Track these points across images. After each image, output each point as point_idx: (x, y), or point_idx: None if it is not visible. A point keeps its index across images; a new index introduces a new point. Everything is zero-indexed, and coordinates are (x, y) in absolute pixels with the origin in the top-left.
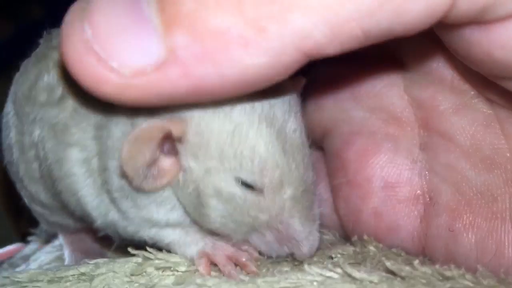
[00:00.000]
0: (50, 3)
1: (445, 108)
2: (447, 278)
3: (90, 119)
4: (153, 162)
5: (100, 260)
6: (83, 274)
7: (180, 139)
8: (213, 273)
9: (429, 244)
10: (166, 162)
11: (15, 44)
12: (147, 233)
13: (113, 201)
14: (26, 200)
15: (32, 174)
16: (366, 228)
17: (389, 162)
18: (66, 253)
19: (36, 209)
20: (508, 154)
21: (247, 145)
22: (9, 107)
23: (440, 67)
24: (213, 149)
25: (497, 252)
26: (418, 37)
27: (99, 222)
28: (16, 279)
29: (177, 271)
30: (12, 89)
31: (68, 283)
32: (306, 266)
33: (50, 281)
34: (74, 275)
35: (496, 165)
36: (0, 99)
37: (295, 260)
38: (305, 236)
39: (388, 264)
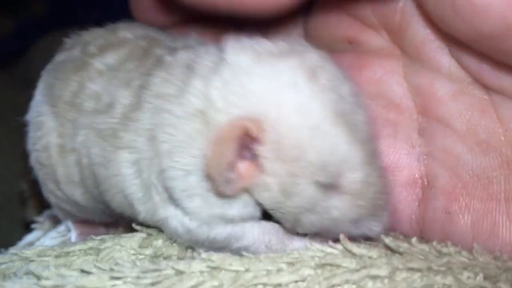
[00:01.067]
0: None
1: (442, 94)
2: (444, 254)
3: (143, 122)
4: (231, 166)
5: (106, 236)
6: (90, 248)
7: (258, 139)
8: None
9: (426, 227)
10: (242, 166)
11: (16, 40)
12: (220, 232)
13: (172, 202)
14: (54, 199)
15: (72, 177)
16: None
17: (389, 147)
18: (73, 236)
19: (65, 207)
20: (502, 138)
21: (327, 144)
22: (44, 110)
23: (438, 55)
24: (294, 147)
25: (492, 233)
26: (417, 25)
27: (142, 216)
28: (24, 255)
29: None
30: (47, 92)
31: (75, 257)
32: (307, 243)
33: (57, 256)
34: (81, 249)
35: (492, 148)
36: (2, 93)
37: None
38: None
39: (386, 240)
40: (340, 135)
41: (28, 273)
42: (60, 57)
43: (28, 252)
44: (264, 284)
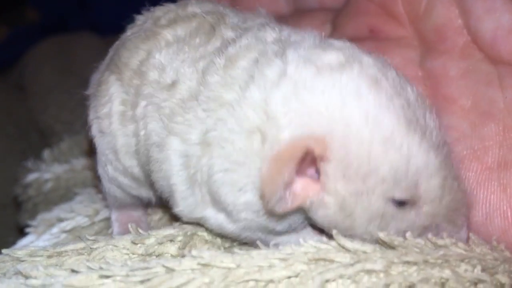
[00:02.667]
0: (45, 6)
1: (454, 74)
2: (439, 247)
3: (197, 118)
4: (287, 185)
5: (99, 237)
6: (82, 248)
7: (322, 158)
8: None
9: None
10: (299, 185)
11: (10, 47)
12: (253, 236)
13: (215, 206)
14: (111, 171)
15: (129, 148)
16: None
17: None
18: (116, 228)
19: (124, 181)
20: (502, 105)
21: (402, 155)
22: (109, 78)
23: (455, 34)
24: (364, 164)
25: (484, 202)
26: (441, 7)
27: (179, 209)
28: (16, 255)
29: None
30: (113, 61)
31: (66, 257)
32: (301, 239)
33: (49, 256)
34: (73, 249)
35: (491, 118)
36: None
37: None
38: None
39: (380, 235)
40: (414, 143)
41: (17, 273)
42: (130, 31)
43: (20, 253)
44: (256, 280)
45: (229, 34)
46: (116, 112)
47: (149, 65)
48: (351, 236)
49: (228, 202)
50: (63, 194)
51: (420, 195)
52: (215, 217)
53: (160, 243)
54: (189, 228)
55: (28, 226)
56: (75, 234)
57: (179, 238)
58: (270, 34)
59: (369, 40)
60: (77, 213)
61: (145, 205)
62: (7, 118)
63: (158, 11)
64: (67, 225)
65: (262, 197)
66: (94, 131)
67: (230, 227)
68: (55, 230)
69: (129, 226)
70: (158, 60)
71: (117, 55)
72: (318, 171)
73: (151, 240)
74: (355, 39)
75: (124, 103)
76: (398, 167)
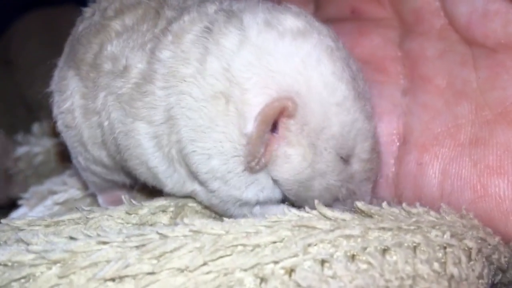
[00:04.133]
0: None
1: (431, 54)
2: (413, 214)
3: (157, 98)
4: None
5: (94, 208)
6: (79, 218)
7: (290, 115)
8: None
9: (400, 181)
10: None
11: None
12: (236, 211)
13: (201, 183)
14: (83, 162)
15: (95, 139)
16: None
17: (374, 105)
18: (101, 201)
19: (96, 169)
20: (475, 84)
21: (349, 118)
22: (68, 74)
23: (432, 17)
24: (320, 121)
25: (456, 176)
26: None
27: (169, 188)
28: (15, 225)
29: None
30: (70, 58)
31: (63, 226)
32: (285, 209)
33: (47, 225)
34: (70, 219)
35: (465, 97)
36: None
37: None
38: (366, 195)
39: (359, 204)
40: (359, 111)
41: (18, 240)
42: (81, 26)
43: (19, 222)
44: (244, 245)
45: (172, 14)
46: (78, 106)
47: (102, 57)
48: (310, 196)
49: (203, 172)
50: (53, 168)
51: (356, 153)
52: (200, 190)
53: (153, 213)
54: (180, 199)
55: (20, 198)
56: (68, 206)
57: (171, 209)
58: (211, 7)
59: (351, 20)
60: (70, 185)
61: (125, 185)
62: None
63: (104, 2)
64: (60, 197)
65: (250, 157)
66: (60, 126)
67: (213, 200)
68: (48, 202)
69: (123, 197)
70: (110, 51)
71: (73, 51)
72: (276, 127)
73: (144, 211)
74: (338, 19)
75: (85, 96)
76: (345, 128)
